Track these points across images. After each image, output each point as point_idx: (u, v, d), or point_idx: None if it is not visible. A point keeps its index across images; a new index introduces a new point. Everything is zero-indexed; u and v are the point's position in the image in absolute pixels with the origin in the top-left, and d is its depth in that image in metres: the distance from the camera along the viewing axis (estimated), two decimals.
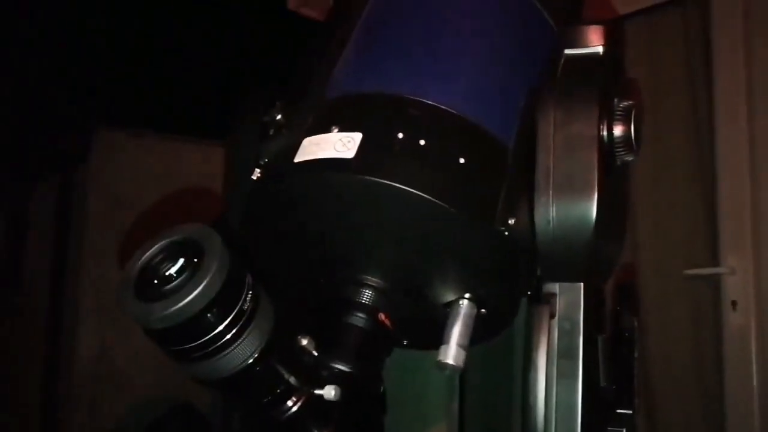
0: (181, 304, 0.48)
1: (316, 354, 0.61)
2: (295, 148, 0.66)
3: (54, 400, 2.47)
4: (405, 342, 0.77)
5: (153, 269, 0.51)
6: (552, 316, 0.67)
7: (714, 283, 1.74)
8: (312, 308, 0.71)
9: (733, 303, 1.69)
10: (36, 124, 2.34)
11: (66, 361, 2.48)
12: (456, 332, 0.66)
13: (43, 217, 2.56)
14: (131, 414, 2.33)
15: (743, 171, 1.71)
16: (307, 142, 0.66)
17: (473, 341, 0.68)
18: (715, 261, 1.74)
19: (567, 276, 0.68)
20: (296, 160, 0.65)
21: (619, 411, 0.69)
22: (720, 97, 1.74)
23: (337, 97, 0.70)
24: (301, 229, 0.69)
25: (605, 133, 0.68)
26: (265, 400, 0.57)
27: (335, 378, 0.61)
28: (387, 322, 0.68)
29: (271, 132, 0.70)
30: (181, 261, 0.50)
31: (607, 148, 0.68)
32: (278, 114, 0.70)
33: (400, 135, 0.64)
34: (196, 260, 0.50)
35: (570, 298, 0.68)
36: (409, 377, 1.22)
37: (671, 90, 1.84)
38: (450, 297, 0.69)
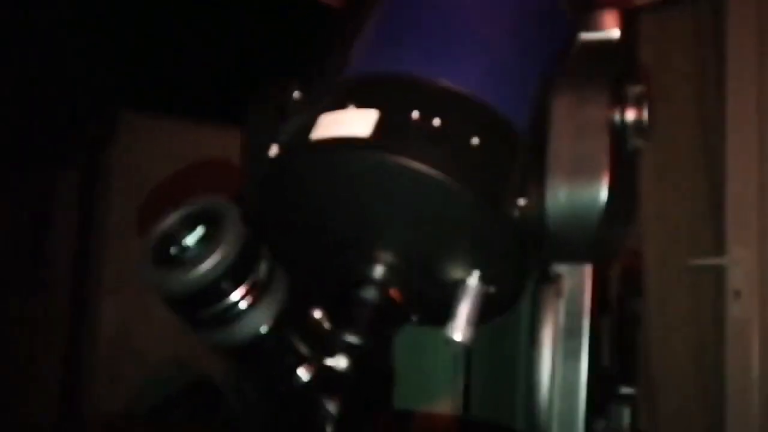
0: (197, 271, 0.50)
1: (328, 327, 0.63)
2: (311, 125, 0.67)
3: (75, 374, 2.51)
4: (414, 318, 0.79)
5: (172, 238, 0.52)
6: (558, 296, 0.68)
7: (718, 273, 1.75)
8: (325, 283, 0.73)
9: (737, 293, 1.71)
10: (61, 107, 2.35)
11: (88, 336, 2.51)
12: (464, 309, 0.68)
13: (68, 198, 2.58)
14: (149, 388, 2.36)
15: (752, 162, 1.72)
16: (324, 119, 0.67)
17: (481, 319, 0.69)
18: (719, 252, 1.76)
19: (575, 257, 0.69)
20: (312, 136, 0.66)
21: (622, 390, 0.71)
22: (731, 89, 1.74)
23: (353, 75, 0.71)
24: (315, 206, 0.70)
25: (617, 117, 0.69)
26: (277, 369, 0.58)
27: (346, 350, 0.63)
28: (398, 297, 0.69)
29: (289, 109, 0.71)
30: (200, 230, 0.52)
31: (618, 133, 0.69)
32: (295, 91, 0.71)
33: (415, 114, 0.65)
34: (213, 230, 0.51)
35: (577, 279, 0.69)
36: (415, 353, 1.24)
37: (680, 82, 1.85)
38: (459, 275, 0.70)
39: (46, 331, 2.44)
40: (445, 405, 1.41)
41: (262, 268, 0.54)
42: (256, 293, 0.53)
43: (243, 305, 0.53)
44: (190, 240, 0.52)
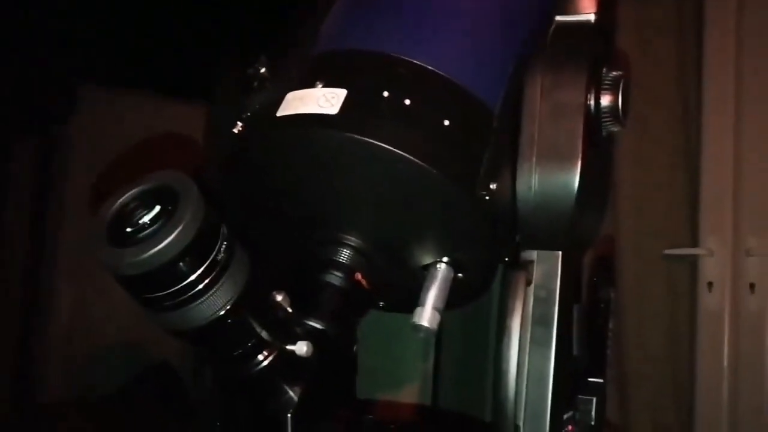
0: (153, 251, 0.47)
1: (290, 310, 0.61)
2: (278, 102, 0.65)
3: (29, 357, 2.46)
4: (381, 304, 0.77)
5: (127, 216, 0.50)
6: (528, 283, 0.67)
7: (692, 264, 1.76)
8: (289, 266, 0.71)
9: (709, 284, 1.71)
10: (19, 81, 2.30)
11: (42, 318, 2.47)
12: (432, 295, 0.66)
13: (24, 174, 2.53)
14: (107, 372, 2.33)
15: (727, 153, 1.71)
16: (291, 96, 0.65)
17: (449, 305, 0.68)
18: (694, 243, 1.76)
19: (546, 244, 0.68)
20: (278, 114, 0.64)
21: (590, 380, 0.70)
22: (708, 80, 1.74)
23: (323, 52, 0.69)
24: (280, 185, 0.68)
25: (592, 102, 0.68)
26: (236, 353, 0.56)
27: (309, 335, 0.61)
28: (364, 282, 0.67)
29: (255, 85, 0.69)
30: (157, 208, 0.49)
31: (593, 118, 0.68)
32: (262, 67, 0.69)
33: (386, 93, 0.63)
34: (171, 208, 0.49)
35: (547, 267, 0.68)
36: (385, 341, 1.23)
37: (660, 70, 1.84)
38: (427, 260, 0.68)
39: (1, 315, 2.39)
40: (414, 395, 1.41)
41: (222, 248, 0.52)
42: (215, 275, 0.51)
43: (201, 287, 0.51)
44: (147, 218, 0.49)
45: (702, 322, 1.72)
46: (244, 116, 0.68)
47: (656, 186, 1.86)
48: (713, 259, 1.71)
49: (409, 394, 1.43)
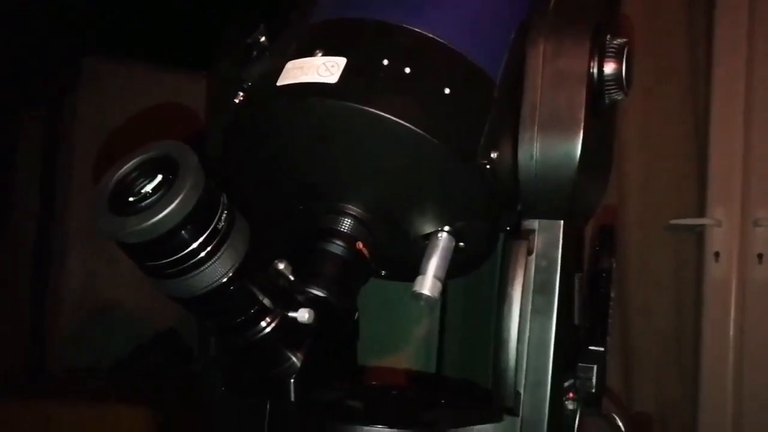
0: (154, 219, 0.48)
1: (292, 278, 0.61)
2: (278, 71, 0.65)
3: (40, 326, 2.49)
4: (383, 273, 0.78)
5: (128, 186, 0.50)
6: (529, 252, 0.67)
7: (698, 234, 1.75)
8: (290, 235, 0.71)
9: (716, 254, 1.70)
10: (24, 52, 2.29)
11: (53, 288, 2.49)
12: (433, 264, 0.67)
13: (32, 147, 2.54)
14: (115, 339, 2.35)
15: (737, 123, 1.69)
16: (291, 65, 0.65)
17: (450, 274, 0.68)
18: (701, 213, 1.74)
19: (548, 213, 0.68)
20: (279, 83, 0.64)
21: (591, 348, 0.70)
22: (719, 49, 1.71)
23: (323, 21, 0.69)
24: (281, 155, 0.68)
25: (595, 70, 0.67)
26: (238, 320, 0.57)
27: (310, 303, 0.61)
28: (365, 251, 0.68)
29: (254, 54, 0.69)
30: (159, 178, 0.50)
31: (596, 86, 0.67)
32: (262, 36, 0.69)
33: (386, 62, 0.63)
34: (171, 177, 0.50)
35: (549, 236, 0.68)
36: (389, 309, 1.23)
37: (668, 38, 1.81)
38: (429, 229, 0.68)
39: (9, 283, 2.41)
40: (419, 362, 1.41)
41: (222, 217, 0.52)
42: (216, 243, 0.52)
43: (202, 255, 0.51)
44: (149, 187, 0.50)
45: (708, 292, 1.71)
46: (244, 86, 0.68)
47: (663, 156, 1.84)
48: (721, 230, 1.70)
49: (414, 361, 1.43)
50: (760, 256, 1.66)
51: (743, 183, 1.68)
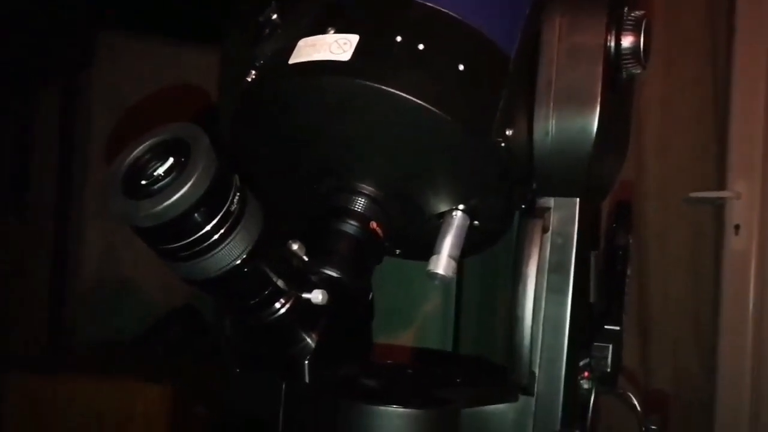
0: (167, 202, 0.48)
1: (306, 259, 0.61)
2: (290, 49, 0.64)
3: (60, 301, 2.52)
4: (398, 252, 0.77)
5: (140, 168, 0.50)
6: (545, 230, 0.66)
7: (717, 207, 1.73)
8: (304, 214, 0.71)
9: (736, 227, 1.68)
10: (39, 29, 2.29)
11: (72, 264, 2.51)
12: (447, 242, 0.66)
13: (49, 122, 2.55)
14: (134, 315, 2.38)
15: (759, 95, 1.66)
16: (303, 43, 0.64)
17: (465, 253, 0.68)
18: (720, 186, 1.73)
19: (563, 191, 0.67)
20: (291, 61, 0.63)
21: (606, 327, 0.70)
22: (740, 18, 1.68)
23: None
24: (294, 134, 0.67)
25: (612, 44, 0.66)
26: (253, 301, 0.57)
27: (324, 283, 0.61)
28: (379, 230, 0.67)
29: (266, 32, 0.68)
30: (170, 161, 0.49)
31: (613, 60, 0.66)
32: (274, 14, 0.68)
33: (399, 38, 0.62)
34: (183, 159, 0.49)
35: (565, 213, 0.67)
36: (405, 286, 1.23)
37: (688, 10, 1.78)
38: (443, 207, 0.68)
39: (30, 259, 2.44)
40: (435, 340, 1.42)
41: (235, 199, 0.52)
42: (229, 225, 0.51)
43: (215, 238, 0.51)
44: (161, 170, 0.49)
45: (728, 265, 1.70)
46: (257, 64, 0.68)
47: (683, 128, 1.82)
48: (741, 202, 1.68)
49: (430, 339, 1.44)
50: None
51: (764, 155, 1.65)
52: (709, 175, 1.77)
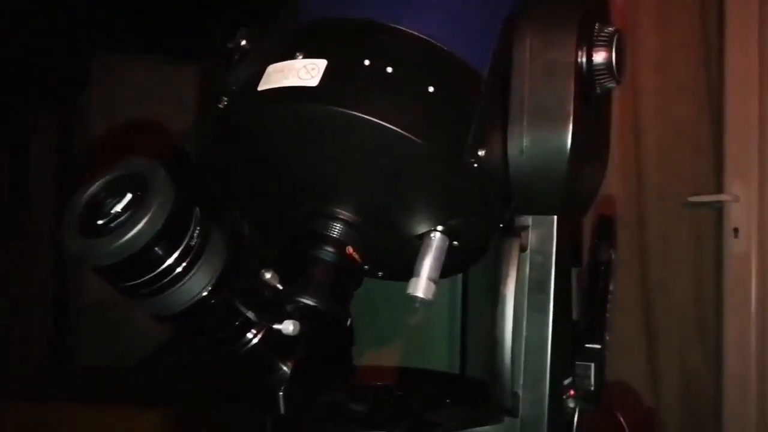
0: (122, 240, 0.47)
1: (280, 287, 0.61)
2: (260, 75, 0.64)
3: (63, 325, 2.52)
4: (380, 274, 0.77)
5: (97, 206, 0.50)
6: (523, 249, 0.65)
7: (717, 210, 1.72)
8: (281, 242, 0.70)
9: (735, 230, 1.67)
10: (35, 49, 2.30)
11: (74, 287, 2.51)
12: (427, 265, 0.66)
13: (47, 142, 2.56)
14: (139, 337, 2.37)
15: (752, 97, 1.65)
16: (272, 69, 0.64)
17: (445, 273, 0.67)
18: (719, 188, 1.71)
19: (540, 209, 0.66)
20: (260, 88, 0.63)
21: (588, 345, 0.69)
22: (731, 21, 1.67)
23: (303, 21, 0.67)
24: (267, 160, 0.67)
25: (584, 60, 0.65)
26: (223, 334, 0.56)
27: (299, 312, 0.61)
28: (356, 255, 0.67)
29: (237, 58, 0.68)
30: (128, 197, 0.49)
31: (585, 76, 0.66)
32: (243, 40, 0.68)
33: (367, 62, 0.62)
34: (140, 194, 0.49)
35: (543, 231, 0.66)
36: (410, 308, 1.23)
37: (680, 15, 1.77)
38: (422, 229, 0.67)
39: (30, 281, 2.44)
40: (442, 362, 1.41)
41: (195, 233, 0.51)
42: (190, 260, 0.51)
43: (176, 273, 0.51)
44: (118, 207, 0.49)
45: (728, 268, 1.69)
46: (228, 90, 0.67)
47: (679, 132, 1.81)
48: (739, 205, 1.67)
49: (437, 361, 1.43)
50: None
51: (760, 157, 1.64)
52: (708, 178, 1.76)
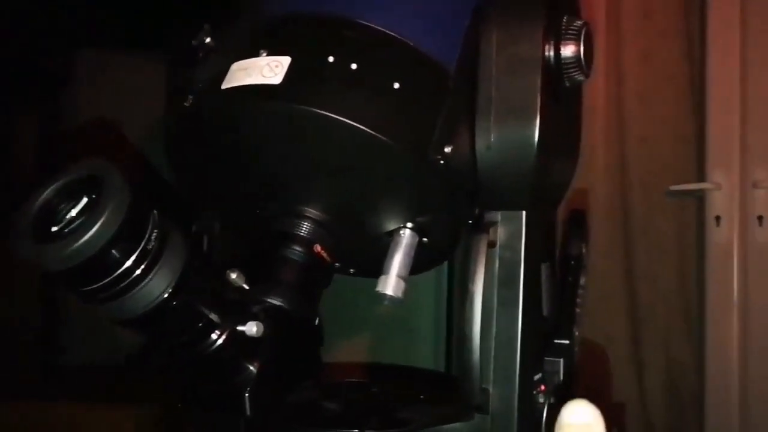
0: (76, 244, 0.47)
1: (246, 287, 0.60)
2: (224, 73, 0.63)
3: (53, 323, 2.51)
4: (351, 271, 0.76)
5: (52, 209, 0.49)
6: (492, 245, 0.65)
7: (699, 198, 1.72)
8: (249, 241, 0.70)
9: (717, 218, 1.68)
10: (16, 46, 2.28)
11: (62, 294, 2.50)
12: (396, 262, 0.65)
13: (30, 141, 2.53)
14: (124, 337, 2.36)
15: (734, 86, 1.66)
16: (236, 66, 0.63)
17: (415, 270, 0.67)
18: (701, 177, 1.72)
19: (509, 204, 0.66)
20: (224, 86, 0.62)
21: (556, 341, 0.69)
22: (713, 10, 1.67)
23: (267, 17, 0.66)
24: (232, 159, 0.66)
25: (551, 54, 0.64)
26: (186, 336, 0.56)
27: (266, 313, 0.60)
28: (324, 254, 0.66)
29: (201, 55, 0.67)
30: (84, 200, 0.48)
31: (553, 70, 0.65)
32: (207, 37, 0.67)
33: (331, 59, 0.61)
34: (95, 197, 0.48)
35: (512, 227, 0.66)
36: (396, 309, 1.22)
37: (663, 4, 1.77)
38: (391, 226, 0.67)
39: (17, 279, 2.42)
40: (428, 360, 1.41)
41: (152, 237, 0.51)
42: (148, 263, 0.50)
43: (134, 276, 0.50)
44: (73, 211, 0.48)
45: (711, 256, 1.70)
46: (193, 88, 0.67)
47: (663, 121, 1.82)
48: (720, 193, 1.68)
49: (423, 358, 1.43)
50: (760, 218, 1.63)
51: (741, 146, 1.65)
52: (691, 167, 1.77)
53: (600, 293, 1.80)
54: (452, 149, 0.62)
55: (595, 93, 1.83)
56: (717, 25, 1.66)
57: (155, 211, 0.52)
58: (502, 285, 0.66)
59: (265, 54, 0.62)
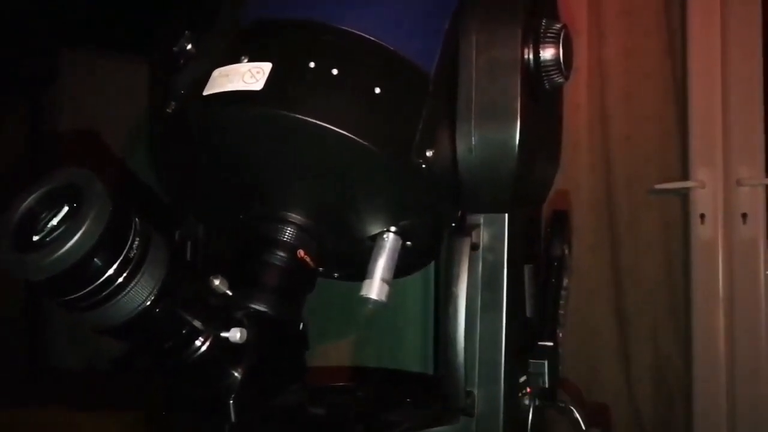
0: (57, 254, 0.46)
1: (230, 293, 0.60)
2: (205, 80, 0.63)
3: (38, 326, 2.49)
4: (336, 275, 0.76)
5: (32, 219, 0.49)
6: (474, 247, 0.65)
7: (683, 196, 1.73)
8: (234, 246, 0.70)
9: (702, 216, 1.69)
10: None
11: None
12: (379, 266, 0.65)
13: (15, 141, 2.52)
14: (105, 343, 2.35)
15: (715, 83, 1.67)
16: (217, 73, 0.63)
17: (399, 273, 0.67)
18: (685, 175, 1.73)
19: (490, 207, 0.66)
20: (205, 92, 0.62)
21: (540, 343, 0.69)
22: (693, 10, 1.68)
23: (249, 23, 0.66)
24: (215, 164, 0.66)
25: (531, 56, 0.65)
26: (169, 343, 0.55)
27: (250, 319, 0.60)
28: (308, 259, 0.66)
29: (182, 62, 0.67)
30: (65, 209, 0.48)
31: (532, 73, 0.65)
32: (188, 44, 0.67)
33: (312, 64, 0.61)
34: (75, 206, 0.48)
35: (495, 229, 0.66)
36: (384, 312, 1.22)
37: (645, 1, 1.78)
38: (374, 230, 0.67)
39: (2, 285, 2.41)
40: (416, 364, 1.41)
41: (134, 244, 0.51)
42: (130, 271, 0.50)
43: (116, 285, 0.50)
44: (54, 221, 0.48)
45: (696, 253, 1.71)
46: (175, 94, 0.66)
47: (647, 119, 1.82)
48: (705, 191, 1.69)
49: (412, 361, 1.43)
50: (744, 215, 1.64)
51: (724, 143, 1.66)
52: (675, 165, 1.77)
53: (586, 288, 1.81)
54: (434, 153, 0.62)
55: (578, 91, 1.84)
56: (698, 21, 1.67)
57: (137, 219, 0.52)
58: (485, 287, 0.66)
59: (246, 60, 0.62)
